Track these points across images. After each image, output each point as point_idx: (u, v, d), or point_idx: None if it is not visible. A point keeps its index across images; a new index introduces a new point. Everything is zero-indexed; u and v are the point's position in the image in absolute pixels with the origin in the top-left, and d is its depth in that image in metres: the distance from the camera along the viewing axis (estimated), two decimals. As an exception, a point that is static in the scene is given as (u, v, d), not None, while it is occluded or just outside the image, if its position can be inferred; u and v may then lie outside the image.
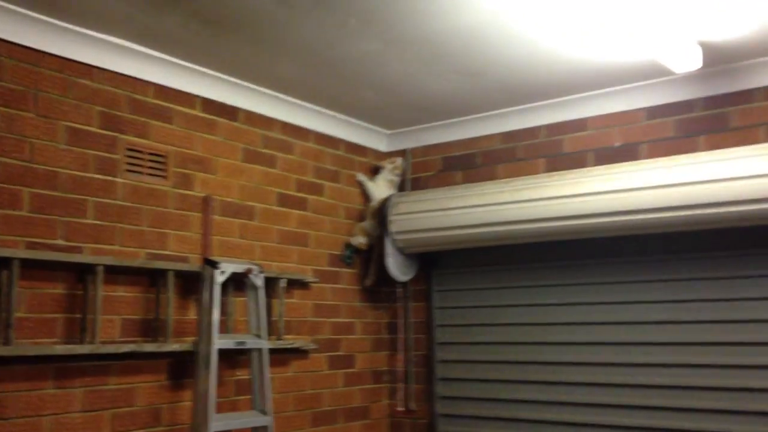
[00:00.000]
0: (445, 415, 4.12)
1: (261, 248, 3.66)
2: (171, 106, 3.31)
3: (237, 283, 3.38)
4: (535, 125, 3.99)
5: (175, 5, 2.75)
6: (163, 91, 3.28)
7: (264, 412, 3.22)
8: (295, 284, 3.80)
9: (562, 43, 3.10)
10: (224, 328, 3.36)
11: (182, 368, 3.19)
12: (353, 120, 4.21)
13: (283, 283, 3.64)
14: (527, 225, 3.61)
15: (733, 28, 2.96)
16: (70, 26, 2.90)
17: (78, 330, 2.85)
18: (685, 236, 3.43)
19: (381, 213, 4.09)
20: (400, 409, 4.25)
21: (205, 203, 3.41)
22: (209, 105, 3.48)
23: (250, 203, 3.64)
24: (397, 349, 4.32)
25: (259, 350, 3.27)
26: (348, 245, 4.16)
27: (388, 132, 4.46)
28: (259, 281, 3.30)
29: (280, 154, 3.83)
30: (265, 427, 3.21)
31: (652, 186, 3.28)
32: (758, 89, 3.35)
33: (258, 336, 3.28)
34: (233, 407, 3.42)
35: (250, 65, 3.35)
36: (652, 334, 3.52)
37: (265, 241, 3.69)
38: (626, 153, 3.67)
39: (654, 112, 3.62)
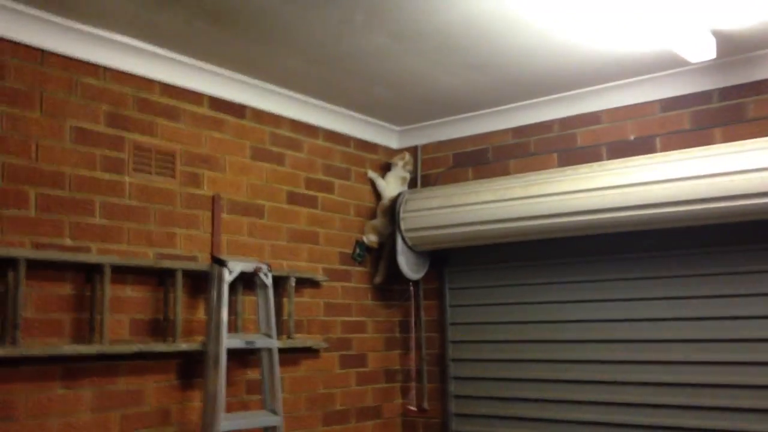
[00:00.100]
0: (458, 414, 4.07)
1: (270, 247, 3.63)
2: (178, 104, 3.29)
3: (246, 282, 3.36)
4: (548, 119, 3.92)
5: (180, 2, 2.72)
6: (169, 89, 3.26)
7: (274, 412, 3.19)
8: (306, 283, 3.77)
9: (574, 34, 3.04)
10: (233, 328, 3.34)
11: (191, 368, 3.17)
12: (363, 117, 4.17)
13: (292, 282, 3.60)
14: (540, 221, 3.55)
15: (747, 17, 2.89)
16: (75, 25, 2.88)
17: (86, 330, 2.84)
18: (702, 231, 3.35)
19: (392, 210, 4.05)
20: (412, 408, 4.21)
21: (214, 202, 3.39)
22: (216, 103, 3.46)
23: (259, 201, 3.61)
24: (409, 348, 4.27)
25: (269, 350, 3.24)
26: (359, 243, 4.13)
27: (399, 128, 4.42)
28: (268, 280, 3.27)
29: (289, 152, 3.80)
30: (275, 427, 3.18)
31: (667, 179, 3.21)
32: (776, 79, 3.28)
33: (268, 335, 3.25)
34: (244, 407, 3.39)
35: (257, 62, 3.32)
36: (669, 332, 3.45)
37: (274, 239, 3.66)
38: (641, 146, 3.60)
39: (669, 104, 3.55)
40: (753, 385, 3.22)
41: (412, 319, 4.26)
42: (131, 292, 3.01)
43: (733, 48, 3.19)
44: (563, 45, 3.15)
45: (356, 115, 4.13)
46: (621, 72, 3.49)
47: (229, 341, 3.07)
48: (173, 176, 3.24)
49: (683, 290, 3.43)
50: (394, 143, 4.45)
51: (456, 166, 4.23)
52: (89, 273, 2.86)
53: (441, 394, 4.14)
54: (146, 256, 3.07)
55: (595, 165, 3.50)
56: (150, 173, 3.15)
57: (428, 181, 4.31)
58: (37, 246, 2.73)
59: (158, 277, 3.11)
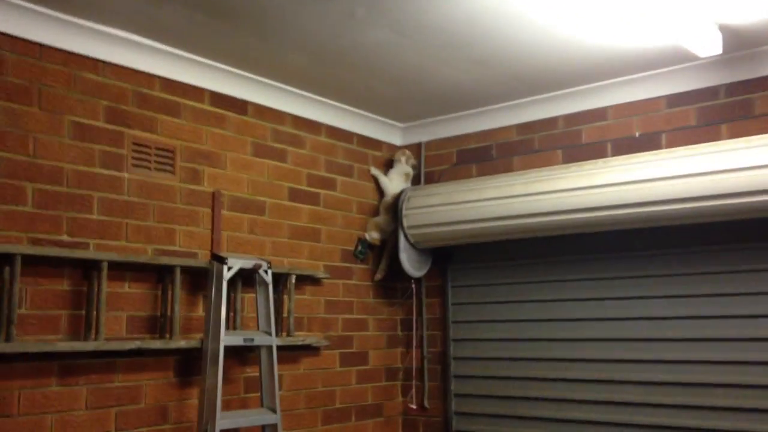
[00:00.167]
0: (460, 413, 4.04)
1: (271, 244, 3.61)
2: (178, 99, 3.27)
3: (246, 279, 3.33)
4: (553, 115, 3.88)
5: (177, -4, 2.70)
6: (170, 84, 3.24)
7: (272, 410, 3.17)
8: (307, 280, 3.75)
9: (578, 29, 2.99)
10: (233, 325, 3.32)
11: (190, 365, 3.15)
12: (366, 113, 4.14)
13: (293, 279, 3.58)
14: (543, 218, 3.51)
15: (754, 11, 2.83)
16: (74, 19, 2.86)
17: (83, 327, 2.82)
18: (707, 228, 3.30)
19: (395, 207, 4.02)
20: (413, 406, 4.17)
21: (214, 198, 3.37)
22: (218, 98, 3.43)
23: (261, 198, 3.59)
24: (411, 346, 4.24)
25: (268, 347, 3.22)
26: (361, 240, 4.10)
27: (403, 125, 4.38)
28: (267, 277, 3.24)
29: (290, 149, 3.77)
30: (273, 425, 3.16)
31: (672, 176, 3.16)
32: (784, 74, 3.22)
33: (267, 333, 3.23)
34: (243, 405, 3.37)
35: (257, 57, 3.29)
36: (672, 331, 3.40)
37: (275, 236, 3.63)
38: (646, 143, 3.55)
39: (675, 99, 3.49)
40: (754, 384, 3.17)
41: (414, 317, 4.23)
42: (129, 289, 2.99)
43: (740, 43, 3.14)
44: (567, 40, 3.10)
45: (359, 111, 4.09)
46: (626, 67, 3.44)
47: (227, 338, 3.05)
48: (173, 172, 3.22)
49: (686, 289, 3.38)
50: (397, 140, 4.42)
51: (460, 163, 4.20)
52: (86, 269, 2.85)
53: (442, 392, 4.11)
54: (145, 253, 3.06)
55: (599, 162, 3.45)
56: (149, 169, 3.13)
57: (431, 178, 4.28)
58: (34, 242, 2.71)
59: (157, 274, 3.09)
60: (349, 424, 3.91)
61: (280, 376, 3.52)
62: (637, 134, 3.59)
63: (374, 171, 4.23)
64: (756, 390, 3.16)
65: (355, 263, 4.07)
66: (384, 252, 4.15)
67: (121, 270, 2.96)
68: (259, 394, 3.32)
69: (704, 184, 3.09)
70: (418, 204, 3.90)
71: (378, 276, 4.14)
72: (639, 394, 3.46)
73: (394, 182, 4.19)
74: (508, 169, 3.98)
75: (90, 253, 2.82)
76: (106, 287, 2.85)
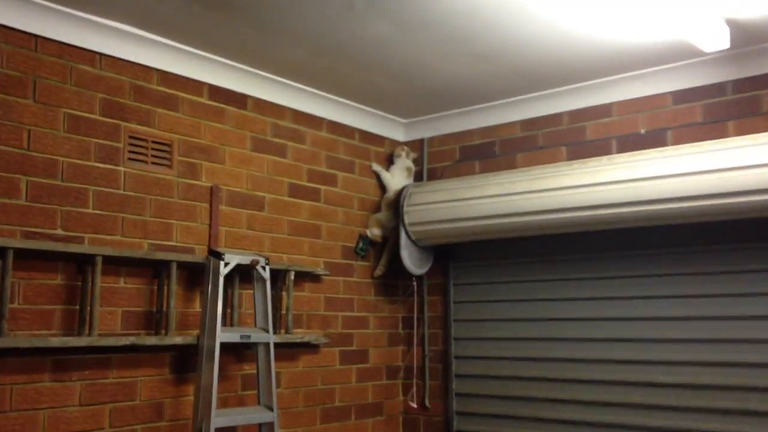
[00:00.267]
0: (460, 412, 3.99)
1: (270, 240, 3.57)
2: (176, 93, 3.23)
3: (244, 275, 3.29)
4: (557, 112, 3.82)
5: (173, -13, 2.66)
6: (168, 77, 3.20)
7: (269, 408, 3.13)
8: (306, 277, 3.70)
9: (582, 24, 2.93)
10: (230, 322, 3.28)
11: (186, 362, 3.12)
12: (368, 108, 4.09)
13: (292, 276, 3.53)
14: (546, 216, 3.45)
15: (762, 6, 2.77)
16: (71, 11, 2.83)
17: (76, 322, 2.79)
18: (712, 227, 3.24)
19: (396, 204, 3.97)
20: (414, 405, 4.13)
21: (212, 193, 3.33)
22: (217, 92, 3.39)
23: (260, 193, 3.54)
24: (412, 345, 4.20)
25: (265, 344, 3.18)
26: (362, 237, 4.05)
27: (405, 121, 4.33)
28: (265, 273, 3.20)
29: (291, 143, 3.73)
30: (269, 424, 3.12)
31: (678, 174, 3.10)
32: (793, 71, 3.15)
33: (264, 330, 3.19)
34: (240, 402, 3.34)
35: (256, 50, 3.25)
36: (677, 331, 3.34)
37: (275, 232, 3.59)
38: (652, 140, 3.49)
39: (681, 96, 3.43)
40: (757, 387, 3.10)
41: (415, 315, 4.18)
42: (125, 284, 2.96)
43: (748, 38, 3.07)
44: (571, 35, 3.05)
45: (361, 106, 4.05)
46: (631, 63, 3.38)
47: (223, 335, 3.01)
48: (170, 166, 3.18)
49: (691, 289, 3.32)
50: (400, 135, 4.37)
51: (463, 160, 4.14)
52: (81, 264, 2.81)
53: (443, 391, 4.06)
54: (141, 248, 3.02)
55: (604, 159, 3.39)
56: (146, 163, 3.09)
57: (434, 175, 4.23)
58: (28, 235, 2.68)
59: (153, 269, 3.05)
60: (348, 423, 3.87)
61: (279, 374, 3.48)
62: (642, 131, 3.53)
63: (376, 167, 4.18)
64: (759, 393, 3.10)
65: (356, 260, 4.03)
66: (385, 249, 4.10)
67: (117, 265, 2.92)
68: (256, 392, 3.28)
69: (710, 182, 3.03)
70: (419, 201, 3.86)
71: (378, 272, 4.09)
72: (642, 396, 3.40)
73: (396, 178, 4.14)
74: (511, 165, 3.93)
75: (84, 248, 2.79)
76: (101, 282, 2.82)
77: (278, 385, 3.46)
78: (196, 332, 3.13)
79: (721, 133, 3.27)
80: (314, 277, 3.76)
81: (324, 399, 3.75)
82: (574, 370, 3.61)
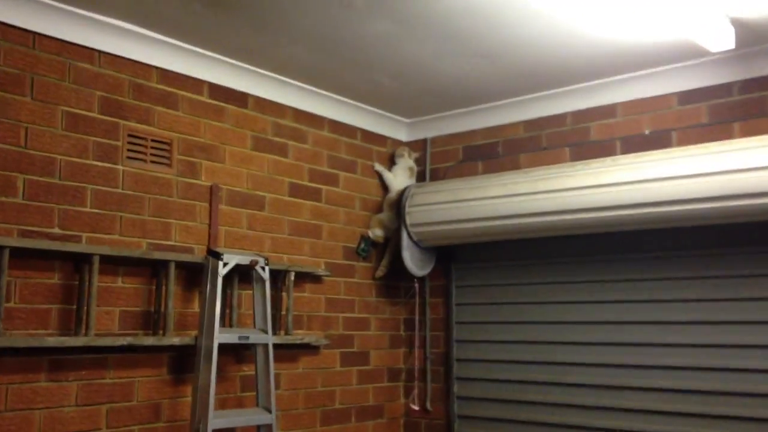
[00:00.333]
0: (462, 416, 3.95)
1: (271, 240, 3.54)
2: (176, 91, 3.21)
3: (243, 275, 3.27)
4: (561, 112, 3.78)
5: (172, -16, 2.64)
6: (167, 75, 3.17)
7: (267, 410, 3.10)
8: (307, 277, 3.67)
9: (586, 22, 2.89)
10: (229, 322, 3.25)
11: (184, 362, 3.09)
12: (371, 108, 4.06)
13: (292, 276, 3.50)
14: (549, 217, 3.41)
15: (771, 4, 2.73)
16: (69, 8, 2.81)
17: (73, 322, 2.76)
18: (717, 230, 3.20)
19: (398, 204, 3.93)
20: (415, 408, 4.09)
21: (212, 192, 3.30)
22: (217, 91, 3.37)
23: (260, 193, 3.51)
24: (414, 347, 4.16)
25: (264, 345, 3.15)
26: (364, 238, 4.02)
27: (408, 120, 4.30)
28: (265, 274, 3.17)
29: (292, 143, 3.70)
30: (268, 426, 3.09)
31: (683, 175, 3.06)
32: (801, 71, 3.11)
33: (263, 331, 3.16)
34: (239, 404, 3.31)
35: (256, 49, 3.22)
36: (682, 336, 3.29)
37: (275, 232, 3.56)
38: (657, 141, 3.44)
39: (686, 96, 3.38)
40: (761, 393, 3.06)
41: (417, 317, 4.14)
42: (122, 284, 2.94)
43: (755, 38, 3.02)
44: (575, 34, 3.01)
45: (363, 106, 4.02)
46: (636, 63, 3.34)
47: (221, 336, 2.98)
48: (170, 165, 3.15)
49: (696, 292, 3.28)
50: (402, 135, 4.33)
51: (466, 160, 4.11)
52: (78, 263, 2.79)
53: (445, 394, 4.02)
54: (139, 247, 2.99)
55: (607, 160, 3.35)
56: (145, 161, 3.06)
57: (437, 175, 4.19)
58: (25, 234, 2.65)
59: (151, 269, 3.03)
60: (348, 425, 3.83)
61: (278, 375, 3.45)
62: (646, 132, 3.49)
63: (378, 167, 4.15)
64: (763, 399, 3.05)
65: (357, 261, 4.00)
66: (387, 249, 4.07)
67: (114, 264, 2.90)
68: (255, 394, 3.25)
69: (716, 184, 2.98)
70: (421, 201, 3.82)
71: (379, 273, 4.05)
72: (646, 401, 3.35)
73: (398, 178, 4.11)
74: (515, 166, 3.89)
75: (81, 247, 2.76)
76: (99, 281, 2.79)
77: (278, 387, 3.43)
78: (194, 333, 3.11)
79: (726, 135, 3.23)
80: (315, 278, 3.73)
81: (324, 401, 3.72)
82: (576, 374, 3.57)
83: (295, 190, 3.69)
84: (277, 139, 3.62)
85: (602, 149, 3.61)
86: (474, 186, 3.66)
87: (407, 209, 3.85)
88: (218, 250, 3.10)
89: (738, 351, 3.14)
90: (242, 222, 3.42)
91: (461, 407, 3.96)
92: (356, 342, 3.94)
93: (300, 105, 3.72)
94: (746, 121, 3.21)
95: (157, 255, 2.97)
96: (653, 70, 3.41)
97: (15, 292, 2.62)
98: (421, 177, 4.22)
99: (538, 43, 3.11)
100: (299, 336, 3.54)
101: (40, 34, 2.77)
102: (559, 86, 3.68)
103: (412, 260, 3.90)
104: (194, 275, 3.17)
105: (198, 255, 3.17)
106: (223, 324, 3.12)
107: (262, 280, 3.18)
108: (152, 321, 3.00)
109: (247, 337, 3.09)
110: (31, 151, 2.72)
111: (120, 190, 2.97)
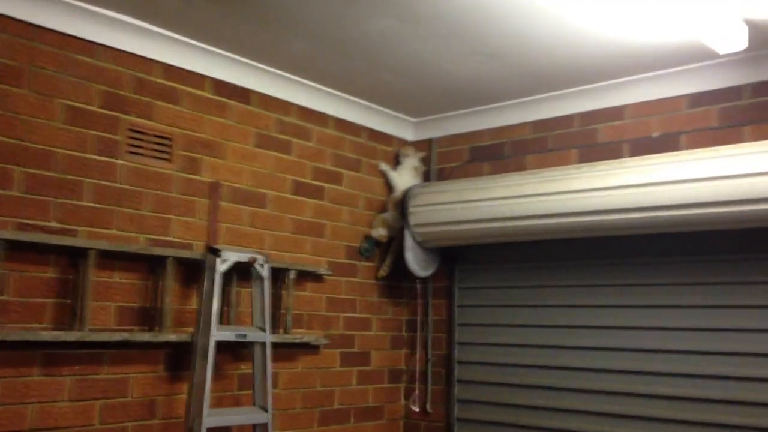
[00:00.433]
0: (462, 419, 3.90)
1: (272, 238, 3.51)
2: (178, 86, 3.18)
3: (243, 273, 3.24)
4: (568, 113, 3.72)
5: (173, -23, 2.61)
6: (169, 70, 3.15)
7: (264, 409, 3.07)
8: (308, 276, 3.64)
9: (594, 22, 2.84)
10: (227, 320, 3.23)
11: (180, 360, 3.06)
12: (377, 107, 4.02)
13: (292, 275, 3.47)
14: (554, 220, 3.36)
15: (784, 5, 2.66)
16: (71, 0, 2.79)
17: (68, 316, 2.74)
18: (726, 235, 3.13)
19: (402, 204, 3.89)
20: (415, 410, 4.04)
21: (213, 188, 3.27)
22: (220, 86, 3.34)
23: (262, 190, 3.49)
24: (415, 348, 4.11)
25: (262, 344, 3.12)
26: (367, 237, 3.98)
27: (414, 120, 4.26)
28: (264, 272, 3.14)
29: (295, 140, 3.67)
30: (264, 425, 3.05)
31: (691, 179, 2.99)
32: (814, 75, 3.03)
33: (261, 329, 3.13)
34: (236, 402, 3.28)
35: (259, 44, 3.19)
36: (688, 343, 3.22)
37: (276, 230, 3.53)
38: (665, 144, 3.38)
39: (696, 99, 3.32)
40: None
41: (419, 318, 4.10)
42: (119, 279, 2.91)
43: (766, 40, 2.95)
44: (582, 34, 2.95)
45: (369, 104, 3.98)
46: (645, 64, 3.28)
47: (219, 333, 2.95)
48: (170, 160, 3.13)
49: (702, 299, 3.21)
50: (408, 135, 4.29)
51: (472, 161, 4.06)
52: (74, 257, 2.77)
53: (446, 397, 3.98)
54: (138, 242, 2.97)
55: (614, 162, 3.29)
56: (145, 156, 3.04)
57: (442, 175, 4.14)
58: (21, 227, 2.64)
59: (149, 264, 3.00)
60: (348, 426, 3.80)
61: (277, 374, 3.42)
62: (655, 135, 3.43)
63: (383, 166, 4.11)
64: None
65: (360, 260, 3.96)
66: (390, 249, 4.03)
67: (111, 259, 2.88)
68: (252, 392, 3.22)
69: (725, 189, 2.92)
70: (425, 201, 3.78)
71: (381, 273, 4.01)
72: (650, 408, 3.29)
73: (403, 177, 4.07)
74: (521, 167, 3.83)
75: (78, 241, 2.74)
76: (95, 276, 2.78)
77: (276, 386, 3.40)
78: (191, 330, 3.08)
79: (737, 138, 3.16)
80: (316, 277, 3.70)
81: (323, 401, 3.68)
82: (579, 379, 3.51)
83: (299, 188, 3.66)
84: (280, 136, 3.59)
85: (610, 151, 3.55)
86: (478, 187, 3.62)
87: (410, 209, 3.81)
88: (217, 246, 3.08)
89: (745, 360, 3.07)
90: (243, 219, 3.39)
91: (461, 410, 3.91)
92: (357, 342, 3.90)
93: (305, 102, 3.69)
94: (757, 124, 3.14)
95: (155, 250, 2.95)
96: (662, 71, 3.35)
97: (10, 286, 2.60)
98: (426, 177, 4.18)
99: (546, 43, 3.06)
100: (298, 335, 3.51)
101: (40, 27, 2.75)
102: (567, 87, 3.63)
103: (415, 261, 3.86)
104: (193, 272, 3.15)
105: (197, 251, 3.14)
106: (221, 322, 3.09)
107: (262, 278, 3.15)
108: (149, 317, 2.98)
109: (245, 335, 3.06)
110: (29, 144, 2.70)
111: (119, 185, 2.95)
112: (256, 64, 3.41)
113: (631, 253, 3.42)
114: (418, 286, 4.07)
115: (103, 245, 2.79)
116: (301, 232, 3.65)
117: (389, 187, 4.12)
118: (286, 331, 3.43)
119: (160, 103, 3.11)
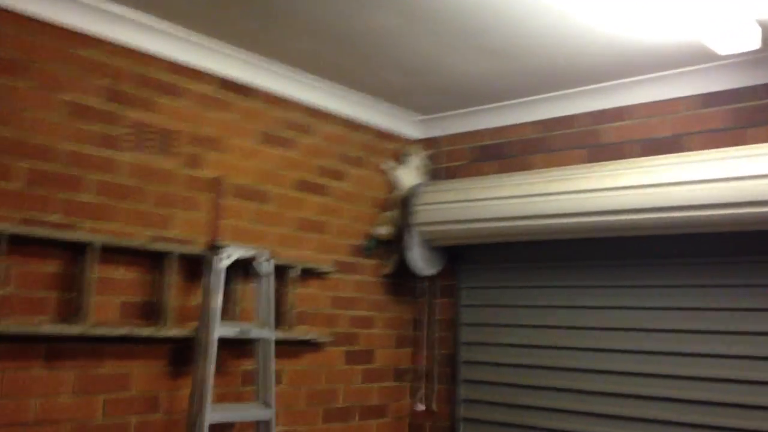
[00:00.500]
0: (467, 419, 3.88)
1: (275, 234, 3.50)
2: (182, 82, 3.18)
3: (246, 269, 3.23)
4: (576, 113, 3.69)
5: (177, -28, 2.61)
6: (173, 66, 3.15)
7: (267, 405, 3.06)
8: (311, 274, 3.63)
9: (601, 21, 2.81)
10: (230, 316, 3.22)
11: (183, 355, 3.06)
12: (382, 105, 4.01)
13: (296, 272, 3.46)
14: (561, 219, 3.33)
15: (794, 2, 2.62)
16: (75, -5, 2.80)
17: (71, 310, 2.74)
18: (734, 237, 3.10)
19: (406, 202, 3.88)
20: (420, 409, 4.03)
21: (216, 185, 3.27)
22: (223, 82, 3.34)
23: (265, 187, 3.48)
24: (420, 347, 4.10)
25: (265, 340, 3.11)
26: (371, 235, 3.97)
27: (420, 118, 4.24)
28: (266, 268, 3.13)
29: (300, 137, 3.66)
30: (266, 422, 3.05)
31: (700, 180, 2.96)
32: (825, 74, 2.99)
33: (264, 325, 3.12)
34: (239, 398, 3.28)
35: (263, 40, 3.18)
36: (696, 345, 3.19)
37: (280, 227, 3.53)
38: (673, 144, 3.35)
39: (706, 100, 3.28)
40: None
41: (424, 317, 4.08)
42: (122, 274, 2.91)
43: (777, 39, 2.92)
44: (591, 33, 2.93)
45: (375, 102, 3.96)
46: (654, 64, 3.24)
47: (221, 329, 2.95)
48: (173, 156, 3.13)
49: (709, 301, 3.18)
50: (414, 133, 4.27)
51: (477, 160, 4.04)
52: (77, 251, 2.77)
53: (450, 396, 3.96)
54: (140, 237, 2.97)
55: (623, 162, 3.27)
56: (149, 152, 3.04)
57: (448, 174, 4.12)
58: (23, 221, 2.64)
59: (151, 260, 3.00)
60: (351, 424, 3.78)
61: (281, 372, 3.41)
62: (663, 135, 3.39)
63: (388, 164, 4.10)
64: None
65: (364, 258, 3.95)
66: (395, 247, 4.01)
67: (114, 254, 2.88)
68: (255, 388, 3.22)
69: (734, 191, 2.89)
70: (429, 200, 3.76)
71: (386, 270, 4.00)
72: (655, 410, 3.26)
73: (408, 176, 4.05)
74: (527, 167, 3.81)
75: (80, 235, 2.75)
76: (98, 271, 2.78)
77: (280, 383, 3.39)
78: (194, 325, 3.08)
79: (746, 140, 3.12)
80: (320, 274, 3.69)
81: (327, 398, 3.67)
82: (585, 380, 3.48)
83: (302, 186, 3.65)
84: (284, 133, 3.59)
85: (617, 151, 3.52)
86: (484, 185, 3.60)
87: (415, 207, 3.79)
88: (220, 243, 3.07)
89: (754, 363, 3.04)
90: (247, 216, 3.39)
91: (467, 410, 3.89)
92: (361, 340, 3.89)
93: (309, 99, 3.68)
94: (766, 126, 3.10)
95: (159, 246, 2.95)
96: (671, 71, 3.31)
97: (13, 279, 2.60)
98: (431, 175, 4.16)
99: (552, 42, 3.04)
100: (302, 332, 3.50)
101: (42, 21, 2.75)
102: (574, 86, 3.60)
103: (419, 259, 3.84)
104: (196, 268, 3.14)
105: (199, 247, 3.14)
106: (224, 317, 3.09)
107: (265, 275, 3.14)
108: (152, 312, 2.98)
109: (248, 332, 3.05)
110: (31, 139, 2.70)
111: (122, 180, 2.95)
112: (261, 60, 3.40)
113: (638, 255, 3.40)
114: (424, 284, 4.05)
115: (106, 240, 2.79)
116: (305, 229, 3.64)
117: (393, 184, 4.10)
118: (289, 328, 3.42)
119: (163, 98, 3.11)
